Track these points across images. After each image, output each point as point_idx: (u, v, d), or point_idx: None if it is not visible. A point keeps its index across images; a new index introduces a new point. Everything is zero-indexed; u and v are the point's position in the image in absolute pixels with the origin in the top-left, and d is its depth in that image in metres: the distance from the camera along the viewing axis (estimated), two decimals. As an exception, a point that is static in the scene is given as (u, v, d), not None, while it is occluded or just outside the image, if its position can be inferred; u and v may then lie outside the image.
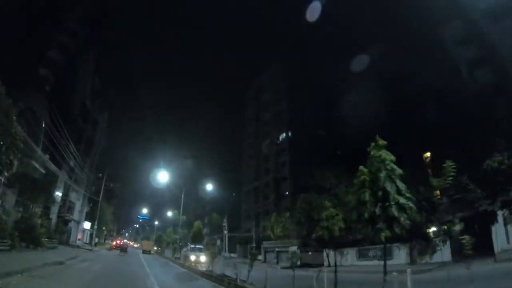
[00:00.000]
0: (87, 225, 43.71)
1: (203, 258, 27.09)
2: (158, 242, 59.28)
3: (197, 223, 28.02)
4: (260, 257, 49.94)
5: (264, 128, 70.10)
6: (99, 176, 52.42)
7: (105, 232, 62.67)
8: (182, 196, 36.65)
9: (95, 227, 38.28)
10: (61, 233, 35.56)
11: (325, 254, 28.44)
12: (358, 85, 46.91)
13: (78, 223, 40.96)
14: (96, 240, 37.12)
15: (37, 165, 27.91)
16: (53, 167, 30.65)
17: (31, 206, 27.11)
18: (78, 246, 35.89)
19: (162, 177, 35.57)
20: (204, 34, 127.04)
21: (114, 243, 53.19)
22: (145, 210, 72.97)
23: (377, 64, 43.35)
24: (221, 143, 74.89)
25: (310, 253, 36.34)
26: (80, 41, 37.15)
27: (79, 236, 41.25)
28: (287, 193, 59.23)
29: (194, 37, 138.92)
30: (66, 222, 37.31)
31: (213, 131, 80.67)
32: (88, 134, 45.47)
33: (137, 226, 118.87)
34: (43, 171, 29.37)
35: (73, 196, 41.07)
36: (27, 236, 22.74)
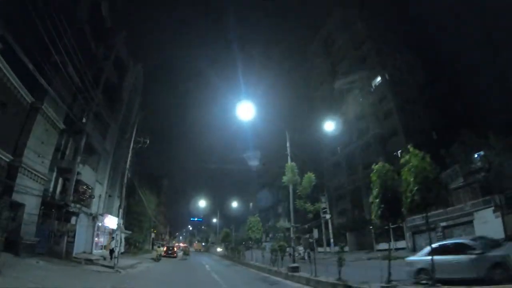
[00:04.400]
0: (109, 221, 23.55)
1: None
2: (224, 242, 39.46)
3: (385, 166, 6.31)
4: (400, 243, 29.07)
5: (346, 83, 48.59)
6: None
7: (152, 236, 43.80)
8: (288, 144, 16.79)
9: (121, 220, 18.19)
10: (53, 235, 16.52)
11: None
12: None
13: (94, 218, 21.56)
14: (120, 246, 17.04)
15: None
16: None
17: None
18: (90, 261, 16.59)
19: (246, 111, 15.78)
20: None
21: (164, 248, 33.84)
22: (202, 204, 53.56)
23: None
24: (288, 113, 53.23)
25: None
26: None
27: (100, 242, 21.91)
28: (398, 152, 37.54)
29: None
30: (67, 217, 18.13)
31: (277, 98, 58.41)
32: (112, 80, 26.80)
33: (191, 228, 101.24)
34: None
35: (87, 173, 22.03)
36: None
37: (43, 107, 16.33)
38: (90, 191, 23.40)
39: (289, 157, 16.89)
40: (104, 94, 25.88)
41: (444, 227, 25.79)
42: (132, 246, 30.64)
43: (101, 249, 21.98)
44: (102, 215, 22.71)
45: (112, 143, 28.22)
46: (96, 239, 21.59)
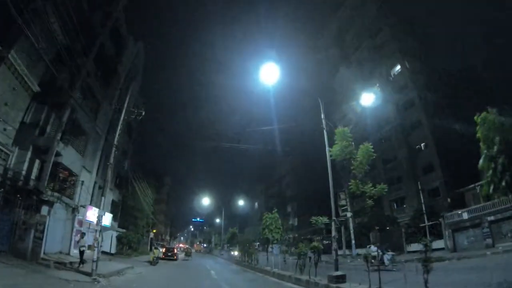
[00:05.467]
0: (93, 214, 18.33)
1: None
2: (231, 243, 35.09)
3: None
4: (436, 243, 24.44)
5: (361, 73, 44.30)
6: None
7: (151, 235, 39.37)
8: (323, 116, 12.46)
9: (103, 211, 13.63)
10: (16, 229, 12.35)
11: None
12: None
13: (74, 210, 17.23)
14: (109, 246, 12.73)
15: None
16: None
17: None
18: (62, 264, 12.38)
19: (270, 74, 11.29)
20: None
21: (163, 250, 29.68)
22: (206, 201, 49.08)
23: None
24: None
25: None
26: None
27: (81, 241, 17.46)
28: (422, 145, 33.61)
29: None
30: (37, 206, 13.91)
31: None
32: (107, 53, 22.92)
33: (192, 229, 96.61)
34: None
35: (70, 155, 17.87)
36: None
37: (9, 56, 12.21)
38: (74, 178, 19.19)
39: (325, 131, 12.71)
40: (97, 67, 21.89)
41: (491, 222, 21.54)
42: (126, 246, 26.30)
43: (86, 247, 17.65)
44: (84, 206, 18.37)
45: (104, 125, 24.03)
46: (76, 236, 17.27)
